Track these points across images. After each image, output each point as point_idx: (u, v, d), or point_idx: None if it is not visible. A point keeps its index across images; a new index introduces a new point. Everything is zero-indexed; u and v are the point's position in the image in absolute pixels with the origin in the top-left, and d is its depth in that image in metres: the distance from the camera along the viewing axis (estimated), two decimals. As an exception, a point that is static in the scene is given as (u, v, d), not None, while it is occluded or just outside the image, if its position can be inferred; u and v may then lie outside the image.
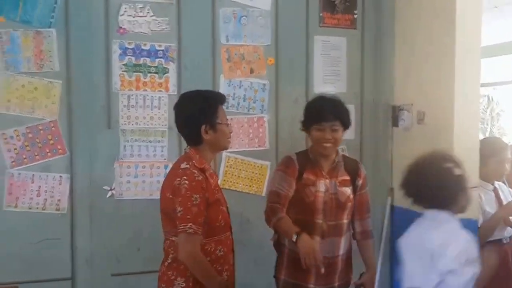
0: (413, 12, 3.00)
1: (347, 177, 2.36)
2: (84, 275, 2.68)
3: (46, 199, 2.63)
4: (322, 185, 2.30)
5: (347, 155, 2.64)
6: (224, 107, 2.12)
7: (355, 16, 3.13)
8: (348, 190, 2.34)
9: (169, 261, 2.03)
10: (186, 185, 1.95)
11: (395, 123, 3.10)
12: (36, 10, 2.63)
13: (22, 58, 2.61)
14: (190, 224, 1.92)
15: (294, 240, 2.11)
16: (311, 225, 2.27)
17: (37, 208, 2.63)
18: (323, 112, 2.27)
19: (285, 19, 3.00)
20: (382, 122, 3.16)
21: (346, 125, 2.30)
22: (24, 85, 2.61)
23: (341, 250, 2.33)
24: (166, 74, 2.82)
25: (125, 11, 2.75)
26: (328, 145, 2.27)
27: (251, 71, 2.97)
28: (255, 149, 2.97)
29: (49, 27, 2.64)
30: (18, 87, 2.60)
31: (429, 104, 2.85)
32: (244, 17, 2.95)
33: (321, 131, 2.26)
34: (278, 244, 2.37)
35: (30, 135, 2.62)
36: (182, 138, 2.16)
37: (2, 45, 2.58)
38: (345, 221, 2.34)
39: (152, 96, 2.79)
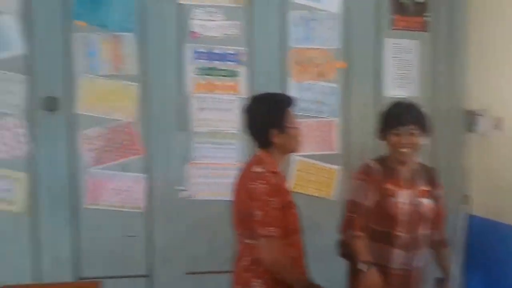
0: (488, 12, 2.89)
1: (426, 187, 2.30)
2: (160, 273, 2.76)
3: (124, 198, 2.73)
4: (403, 196, 2.25)
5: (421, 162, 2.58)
6: (293, 110, 2.12)
7: (428, 18, 3.05)
8: (428, 201, 2.28)
9: (245, 263, 2.05)
10: (263, 189, 1.97)
11: (469, 128, 3.00)
12: (115, 15, 2.73)
13: (102, 61, 2.72)
14: (272, 228, 1.94)
15: (363, 270, 2.10)
16: (391, 237, 2.23)
17: (116, 206, 2.73)
18: (399, 116, 2.23)
19: (355, 21, 2.97)
20: (455, 128, 3.06)
21: (424, 129, 2.25)
22: (103, 87, 2.72)
23: (420, 263, 2.28)
24: (237, 77, 2.85)
25: (197, 16, 2.81)
26: (406, 150, 2.22)
27: (320, 75, 2.95)
28: (325, 153, 2.94)
29: (127, 31, 2.74)
30: (98, 89, 2.71)
31: (507, 109, 2.75)
32: (313, 20, 2.94)
33: (398, 136, 2.22)
34: (349, 254, 2.31)
35: (109, 136, 2.73)
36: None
37: (84, 49, 2.70)
38: (425, 232, 2.28)
39: (223, 99, 2.83)
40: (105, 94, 2.71)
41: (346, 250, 2.32)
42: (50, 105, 2.67)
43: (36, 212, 2.68)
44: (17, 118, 2.65)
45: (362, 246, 2.18)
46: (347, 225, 2.25)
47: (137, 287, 2.74)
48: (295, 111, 2.14)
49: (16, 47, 2.65)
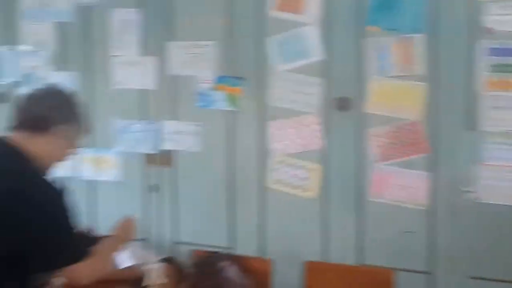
0: None
1: None
2: (442, 272, 2.74)
3: (407, 194, 2.80)
4: None
5: None
6: None
7: None
8: None
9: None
10: None
11: None
12: (407, 18, 2.81)
13: (391, 63, 2.84)
14: None
15: None
16: None
17: (399, 201, 2.82)
18: None
19: None
20: None
21: None
22: (391, 88, 2.84)
23: None
24: (540, 74, 2.58)
25: (492, 10, 2.65)
26: None
27: None
28: None
29: (418, 32, 2.78)
30: (386, 90, 2.85)
31: None
32: None
33: None
34: None
35: (395, 134, 2.83)
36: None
37: (375, 52, 2.87)
38: None
39: (520, 97, 2.61)
40: (393, 94, 2.83)
41: None
42: (342, 105, 2.95)
43: (327, 199, 3.00)
44: (314, 116, 3.02)
45: None
46: None
47: (416, 281, 2.78)
48: None
49: (316, 54, 3.01)
